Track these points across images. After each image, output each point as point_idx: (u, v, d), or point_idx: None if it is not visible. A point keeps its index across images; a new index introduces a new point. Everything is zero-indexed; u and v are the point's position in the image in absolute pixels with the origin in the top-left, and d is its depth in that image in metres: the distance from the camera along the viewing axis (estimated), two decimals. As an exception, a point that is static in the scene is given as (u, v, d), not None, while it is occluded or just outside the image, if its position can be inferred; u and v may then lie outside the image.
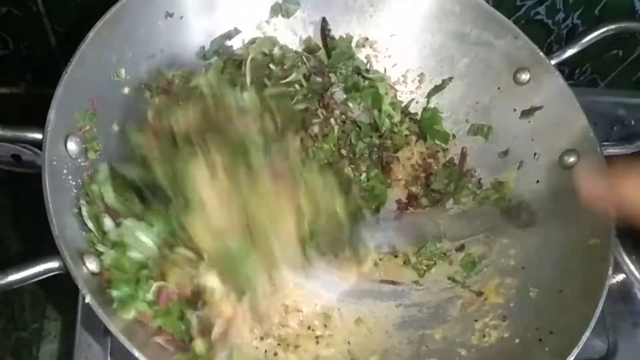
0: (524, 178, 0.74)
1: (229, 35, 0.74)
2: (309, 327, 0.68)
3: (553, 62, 0.72)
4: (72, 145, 0.59)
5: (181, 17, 0.70)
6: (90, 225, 0.58)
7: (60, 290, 0.82)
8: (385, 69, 0.80)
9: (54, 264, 0.52)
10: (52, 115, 0.56)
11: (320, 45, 0.78)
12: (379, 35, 0.79)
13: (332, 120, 0.75)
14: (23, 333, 0.84)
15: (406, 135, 0.78)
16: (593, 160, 0.68)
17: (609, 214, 0.61)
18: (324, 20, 0.77)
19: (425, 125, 0.79)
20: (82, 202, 0.58)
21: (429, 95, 0.80)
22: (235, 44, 0.75)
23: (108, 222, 0.59)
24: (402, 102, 0.81)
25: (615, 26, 0.74)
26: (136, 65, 0.67)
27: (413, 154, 0.77)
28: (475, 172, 0.78)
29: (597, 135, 0.68)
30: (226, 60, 0.73)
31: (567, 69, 0.99)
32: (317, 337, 0.68)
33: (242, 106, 0.67)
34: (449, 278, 0.73)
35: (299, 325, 0.68)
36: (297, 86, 0.74)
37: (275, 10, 0.76)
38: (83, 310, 0.66)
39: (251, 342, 0.64)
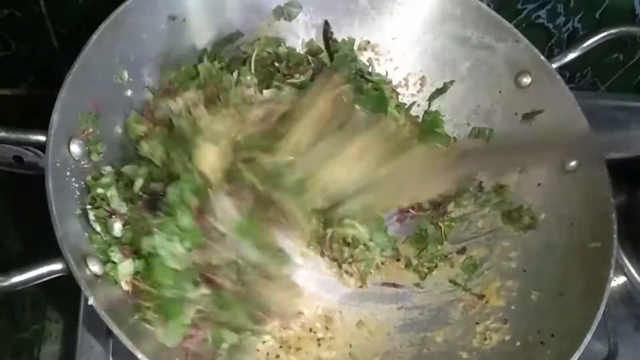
0: (525, 181, 0.74)
1: (232, 38, 0.74)
2: (310, 330, 0.69)
3: (554, 65, 0.72)
4: (75, 148, 0.59)
5: (184, 20, 0.70)
6: (98, 229, 0.58)
7: (61, 291, 0.82)
8: (386, 72, 0.80)
9: (57, 266, 0.52)
10: (55, 117, 0.56)
11: (323, 48, 0.78)
12: (380, 39, 0.79)
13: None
14: (24, 334, 0.84)
15: (407, 139, 0.79)
16: (594, 164, 0.68)
17: None
18: (326, 23, 0.78)
19: (427, 128, 0.79)
20: (88, 205, 0.59)
21: (431, 99, 0.80)
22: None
23: (117, 226, 0.59)
24: (405, 104, 0.81)
25: (616, 30, 0.74)
26: (139, 67, 0.67)
27: (416, 157, 0.77)
28: (476, 175, 0.78)
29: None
30: (231, 59, 0.74)
31: (568, 73, 0.99)
32: (318, 340, 0.68)
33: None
34: (450, 281, 0.73)
35: (300, 328, 0.68)
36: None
37: (278, 13, 0.76)
38: (85, 312, 0.67)
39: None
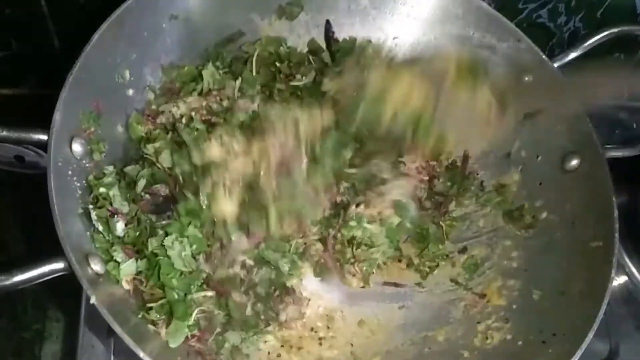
0: (526, 180, 0.74)
1: (233, 38, 0.74)
2: (312, 329, 0.69)
3: (555, 65, 0.73)
4: (77, 147, 0.59)
5: (185, 20, 0.70)
6: (100, 228, 0.58)
7: (63, 290, 0.82)
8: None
9: (59, 265, 0.52)
10: (57, 116, 0.56)
11: (324, 47, 0.78)
12: (382, 38, 0.79)
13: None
14: (25, 334, 0.84)
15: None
16: (595, 163, 0.68)
17: None
18: (327, 22, 0.78)
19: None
20: (90, 205, 0.59)
21: (432, 98, 0.80)
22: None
23: (120, 226, 0.59)
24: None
25: (617, 29, 0.74)
26: (140, 67, 0.67)
27: (417, 156, 0.77)
28: (477, 174, 0.78)
29: (599, 138, 0.69)
30: (232, 59, 0.74)
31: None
32: (320, 339, 0.68)
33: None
34: (451, 280, 0.73)
35: (302, 327, 0.68)
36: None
37: (279, 13, 0.76)
38: (86, 311, 0.67)
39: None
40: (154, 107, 0.69)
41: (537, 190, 0.73)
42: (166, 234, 0.59)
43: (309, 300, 0.69)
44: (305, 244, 0.70)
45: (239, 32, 0.75)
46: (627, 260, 0.76)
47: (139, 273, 0.59)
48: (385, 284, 0.73)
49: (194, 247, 0.59)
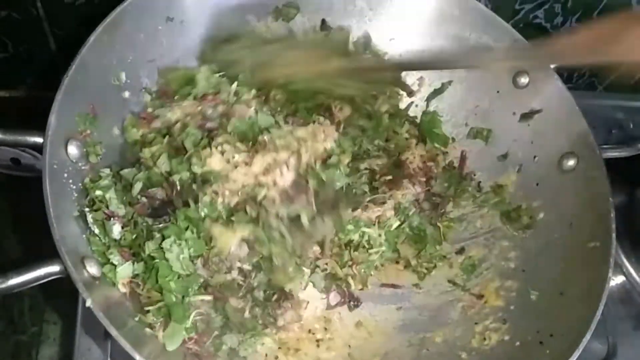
0: (523, 181, 0.74)
1: (229, 40, 0.74)
2: (309, 331, 0.68)
3: (552, 65, 0.72)
4: (73, 149, 0.59)
5: (182, 22, 0.70)
6: (96, 231, 0.58)
7: (60, 293, 0.82)
8: (385, 73, 0.80)
9: (54, 268, 0.52)
10: (52, 119, 0.56)
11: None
12: (378, 39, 0.79)
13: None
14: (22, 336, 0.84)
15: (406, 139, 0.79)
16: (592, 164, 0.68)
17: None
18: (323, 22, 0.77)
19: (425, 129, 0.79)
20: (86, 207, 0.58)
21: (429, 99, 0.80)
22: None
23: (116, 228, 0.59)
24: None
25: (614, 30, 0.74)
26: (136, 69, 0.67)
27: (415, 157, 0.77)
28: (474, 175, 0.78)
29: (596, 138, 0.69)
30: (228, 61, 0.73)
31: (566, 73, 0.99)
32: (317, 341, 0.68)
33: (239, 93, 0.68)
34: (449, 281, 0.73)
35: (299, 329, 0.68)
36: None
37: (276, 15, 0.76)
38: (83, 314, 0.66)
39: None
40: (150, 109, 0.68)
41: (535, 190, 0.73)
42: (163, 237, 0.59)
43: (307, 302, 0.69)
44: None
45: (235, 34, 0.74)
46: (624, 260, 0.76)
47: (135, 276, 0.59)
48: (383, 285, 0.73)
49: (192, 249, 0.59)
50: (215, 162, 0.61)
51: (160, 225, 0.60)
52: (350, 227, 0.70)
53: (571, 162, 0.70)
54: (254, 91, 0.70)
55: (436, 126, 0.79)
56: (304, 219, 0.62)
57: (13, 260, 0.85)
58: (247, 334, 0.63)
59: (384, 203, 0.72)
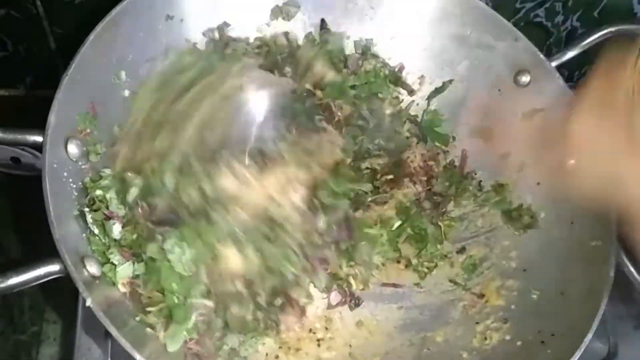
0: (524, 180, 0.74)
1: (229, 39, 0.74)
2: (310, 330, 0.68)
3: (554, 64, 0.72)
4: (73, 148, 0.59)
5: (181, 20, 0.70)
6: (96, 231, 0.58)
7: (60, 293, 0.82)
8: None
9: (54, 267, 0.51)
10: (52, 118, 0.56)
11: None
12: (379, 38, 0.79)
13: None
14: (22, 336, 0.84)
15: (407, 138, 0.78)
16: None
17: None
18: (322, 21, 0.77)
19: (426, 128, 0.79)
20: (86, 207, 0.58)
21: (430, 98, 0.80)
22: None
23: (117, 228, 0.59)
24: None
25: (615, 28, 0.74)
26: (136, 67, 0.67)
27: (416, 156, 0.77)
28: (475, 174, 0.78)
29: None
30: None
31: (566, 72, 0.99)
32: (318, 340, 0.68)
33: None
34: (450, 280, 0.73)
35: (300, 328, 0.68)
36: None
37: (276, 13, 0.76)
38: (83, 314, 0.66)
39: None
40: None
41: (536, 189, 0.73)
42: (164, 238, 0.58)
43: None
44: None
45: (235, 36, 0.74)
46: (625, 260, 0.76)
47: (136, 276, 0.59)
48: (384, 284, 0.73)
49: (194, 251, 0.59)
50: (227, 182, 0.60)
51: (160, 229, 0.60)
52: None
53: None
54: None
55: (437, 125, 0.79)
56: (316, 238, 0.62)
57: (13, 260, 0.85)
58: (248, 335, 0.63)
59: (385, 203, 0.72)
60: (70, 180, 0.58)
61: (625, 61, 0.49)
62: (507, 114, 0.75)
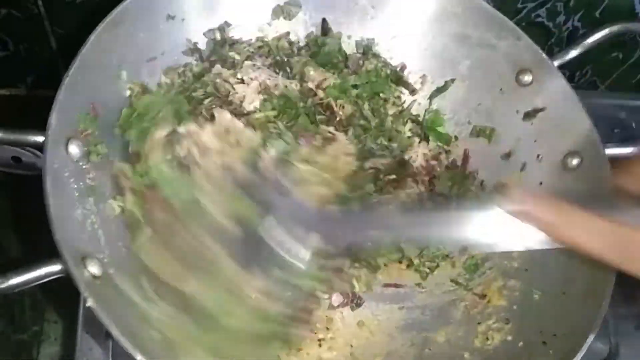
0: (526, 180, 0.74)
1: (231, 39, 0.74)
2: (310, 330, 0.68)
3: (556, 63, 0.72)
4: (74, 149, 0.58)
5: (183, 20, 0.70)
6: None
7: (61, 292, 0.82)
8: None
9: (55, 267, 0.51)
10: (53, 118, 0.56)
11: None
12: (380, 37, 0.79)
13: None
14: (23, 336, 0.84)
15: (409, 137, 0.78)
16: (596, 162, 0.68)
17: None
18: (324, 21, 0.77)
19: (428, 127, 0.79)
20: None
21: (431, 97, 0.80)
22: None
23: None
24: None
25: (618, 28, 0.74)
26: (137, 68, 0.67)
27: (417, 156, 0.77)
28: (477, 174, 0.78)
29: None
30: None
31: (568, 72, 0.99)
32: (319, 340, 0.68)
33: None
34: (451, 280, 0.73)
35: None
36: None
37: (277, 12, 0.75)
38: (84, 314, 0.66)
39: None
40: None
41: (538, 189, 0.73)
42: None
43: None
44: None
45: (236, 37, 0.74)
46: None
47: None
48: (386, 285, 0.73)
49: None
50: None
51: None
52: None
53: (575, 161, 0.69)
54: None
55: (439, 124, 0.79)
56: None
57: (13, 260, 0.85)
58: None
59: (389, 203, 0.71)
60: (72, 180, 0.58)
61: None
62: (509, 113, 0.75)
